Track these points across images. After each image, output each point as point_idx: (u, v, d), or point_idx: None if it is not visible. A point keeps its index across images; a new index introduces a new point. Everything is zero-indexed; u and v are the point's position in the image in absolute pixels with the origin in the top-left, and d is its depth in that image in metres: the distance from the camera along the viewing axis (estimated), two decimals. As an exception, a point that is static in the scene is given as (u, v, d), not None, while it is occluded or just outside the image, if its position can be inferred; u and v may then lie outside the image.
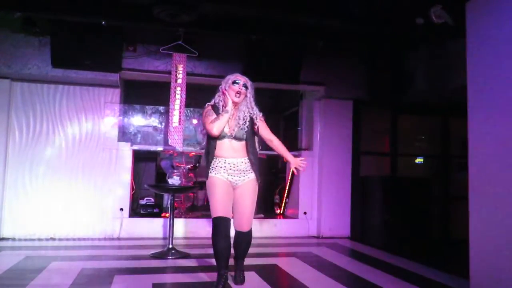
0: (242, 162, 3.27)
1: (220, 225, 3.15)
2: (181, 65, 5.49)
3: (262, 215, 6.27)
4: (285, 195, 6.74)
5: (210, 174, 3.28)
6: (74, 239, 5.39)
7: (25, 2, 4.67)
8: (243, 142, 3.27)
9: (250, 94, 3.32)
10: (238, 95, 3.24)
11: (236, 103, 3.26)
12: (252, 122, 3.31)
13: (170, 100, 5.51)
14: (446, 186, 6.57)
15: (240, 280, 3.46)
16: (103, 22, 4.90)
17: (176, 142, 5.48)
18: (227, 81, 3.29)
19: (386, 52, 5.97)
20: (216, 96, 3.35)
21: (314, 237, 6.12)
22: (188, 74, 5.55)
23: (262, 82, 5.87)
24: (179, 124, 5.50)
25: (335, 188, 6.14)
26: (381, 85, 6.13)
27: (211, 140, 3.27)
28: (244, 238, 3.37)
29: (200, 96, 6.17)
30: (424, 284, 3.73)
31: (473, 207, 3.35)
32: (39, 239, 5.32)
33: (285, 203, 6.75)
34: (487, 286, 3.19)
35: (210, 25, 5.14)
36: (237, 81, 3.25)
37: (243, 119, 3.26)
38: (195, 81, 5.75)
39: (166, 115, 6.04)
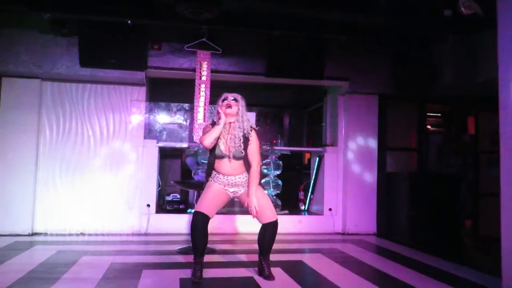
0: (240, 177, 3.50)
1: (198, 221, 3.39)
2: (205, 62, 5.53)
3: (286, 212, 6.27)
4: (310, 191, 6.72)
5: (210, 181, 3.54)
6: (103, 234, 5.52)
7: (54, 3, 4.79)
8: (241, 161, 3.46)
9: (242, 107, 3.50)
10: (229, 107, 3.45)
11: (229, 116, 3.45)
12: (247, 140, 3.46)
13: (195, 97, 5.56)
14: (476, 182, 6.41)
15: (269, 275, 3.50)
16: (129, 21, 4.98)
17: (201, 139, 5.51)
18: (218, 103, 3.54)
19: (412, 45, 5.84)
20: (215, 113, 3.57)
21: (339, 233, 6.08)
22: (212, 71, 5.59)
23: (285, 78, 5.88)
24: (204, 121, 5.54)
25: (360, 184, 6.08)
26: (407, 79, 6.00)
27: (211, 157, 3.51)
28: (271, 228, 3.49)
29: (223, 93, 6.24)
30: (453, 281, 3.65)
31: (505, 204, 3.25)
32: (70, 234, 5.47)
33: (310, 199, 6.73)
34: (519, 284, 3.10)
35: (233, 22, 5.16)
36: (225, 98, 3.52)
37: (239, 138, 3.43)
38: (219, 78, 5.79)
39: (191, 112, 6.10)
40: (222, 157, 3.45)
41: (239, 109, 3.47)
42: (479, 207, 6.31)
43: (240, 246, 4.95)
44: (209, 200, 3.46)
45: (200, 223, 3.39)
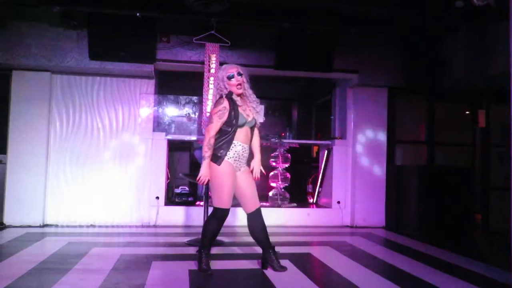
0: (248, 148, 3.45)
1: (224, 215, 3.37)
2: (214, 55, 5.52)
3: (295, 204, 6.28)
4: (318, 184, 6.71)
5: (225, 159, 3.31)
6: (113, 226, 5.58)
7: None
8: (250, 131, 3.45)
9: (246, 79, 3.43)
10: (239, 87, 3.37)
11: (241, 94, 3.40)
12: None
13: (204, 90, 5.56)
14: (486, 176, 6.35)
15: (280, 266, 3.50)
16: (138, 14, 4.98)
17: (210, 131, 5.52)
18: (222, 78, 3.38)
19: (423, 37, 5.77)
20: (222, 88, 3.41)
21: (347, 226, 6.08)
22: (221, 63, 5.57)
23: (294, 70, 5.85)
24: (213, 114, 5.53)
25: (369, 177, 6.06)
26: (417, 71, 5.95)
27: (230, 128, 3.31)
28: (257, 217, 3.46)
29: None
30: (462, 274, 3.64)
31: (515, 197, 3.22)
32: (80, 226, 5.54)
33: (318, 192, 6.73)
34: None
35: (242, 14, 5.14)
36: (230, 75, 3.35)
37: (256, 103, 3.43)
38: (228, 70, 5.76)
39: (200, 105, 6.11)
40: (243, 125, 3.35)
41: (245, 81, 3.41)
42: (489, 201, 6.25)
43: (248, 239, 4.96)
44: (230, 193, 3.35)
45: (223, 221, 3.40)
